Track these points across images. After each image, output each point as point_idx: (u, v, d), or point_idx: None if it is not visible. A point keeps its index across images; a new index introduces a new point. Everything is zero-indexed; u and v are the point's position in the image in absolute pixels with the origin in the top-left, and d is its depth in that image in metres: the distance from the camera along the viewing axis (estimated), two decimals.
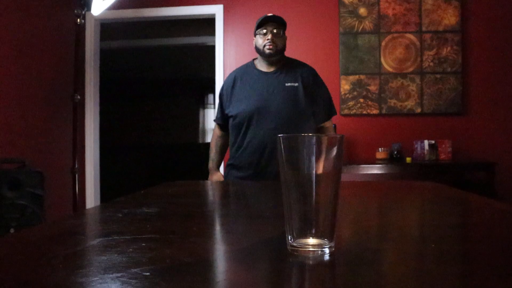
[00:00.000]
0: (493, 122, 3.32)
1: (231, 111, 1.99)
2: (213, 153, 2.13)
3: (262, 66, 2.01)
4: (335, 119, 3.41)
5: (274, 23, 1.95)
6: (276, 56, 1.95)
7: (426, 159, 3.08)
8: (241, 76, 2.03)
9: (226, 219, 0.77)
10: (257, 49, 1.98)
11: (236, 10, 3.54)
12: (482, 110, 3.34)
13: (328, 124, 2.06)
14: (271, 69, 1.98)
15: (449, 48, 3.35)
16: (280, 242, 0.51)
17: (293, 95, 1.91)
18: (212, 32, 3.66)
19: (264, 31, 1.94)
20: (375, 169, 2.92)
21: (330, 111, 2.05)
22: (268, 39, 1.92)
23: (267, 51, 1.92)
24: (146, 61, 6.10)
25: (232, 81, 2.04)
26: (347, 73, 3.42)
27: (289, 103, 1.90)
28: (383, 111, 3.39)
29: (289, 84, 1.93)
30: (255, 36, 2.00)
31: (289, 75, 1.94)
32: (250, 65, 2.06)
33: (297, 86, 1.92)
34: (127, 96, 6.79)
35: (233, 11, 3.54)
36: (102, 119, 3.82)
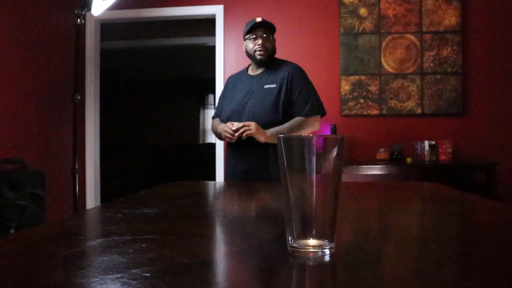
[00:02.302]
0: (493, 123, 3.32)
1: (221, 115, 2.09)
2: (218, 122, 2.10)
3: (252, 69, 2.08)
4: (335, 119, 3.43)
5: (263, 28, 1.99)
6: (267, 60, 2.00)
7: (427, 160, 3.08)
8: (233, 80, 2.12)
9: (226, 220, 0.77)
10: (247, 54, 2.04)
11: (237, 10, 3.54)
12: (482, 111, 3.34)
13: (301, 119, 1.90)
14: (258, 72, 2.03)
15: (449, 49, 3.35)
16: (280, 243, 0.51)
17: (269, 97, 1.92)
18: (212, 33, 3.66)
19: (254, 36, 1.99)
20: (375, 170, 2.92)
21: (305, 107, 1.90)
22: (258, 44, 1.97)
23: (258, 56, 1.98)
24: (146, 62, 6.11)
25: (226, 86, 2.16)
26: (347, 73, 3.42)
27: (263, 105, 1.92)
28: (384, 112, 3.39)
29: (267, 86, 1.95)
30: (244, 40, 2.06)
31: (270, 77, 1.97)
32: (244, 69, 2.14)
33: (274, 88, 1.93)
34: (127, 96, 6.79)
35: (234, 12, 3.55)
36: (102, 119, 3.82)
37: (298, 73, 1.98)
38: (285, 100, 1.91)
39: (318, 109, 1.95)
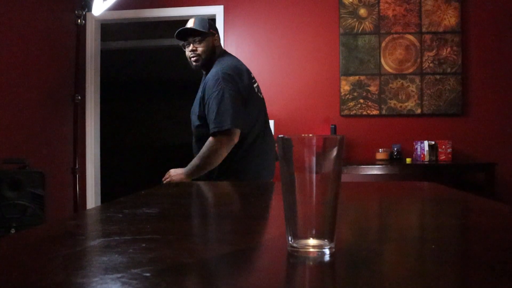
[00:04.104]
0: (493, 123, 3.32)
1: None
2: None
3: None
4: (335, 119, 3.43)
5: (192, 33, 1.86)
6: (204, 64, 1.89)
7: (426, 160, 3.08)
8: None
9: (226, 220, 0.77)
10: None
11: (237, 10, 3.55)
12: (482, 111, 3.34)
13: (207, 143, 1.75)
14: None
15: (449, 49, 3.35)
16: (280, 242, 0.52)
17: (196, 108, 1.86)
18: None
19: (186, 43, 1.89)
20: (375, 170, 2.92)
21: (211, 124, 1.73)
22: (190, 51, 1.88)
23: (193, 63, 1.89)
24: (147, 62, 6.10)
25: None
26: (347, 74, 3.42)
27: (193, 114, 1.88)
28: (383, 112, 3.39)
29: (199, 94, 1.87)
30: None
31: (203, 83, 1.88)
32: None
33: (199, 96, 1.85)
34: (127, 96, 6.79)
35: (234, 12, 3.55)
36: (103, 119, 3.82)
37: (211, 82, 1.77)
38: (203, 109, 1.80)
39: (220, 125, 1.71)
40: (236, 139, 1.75)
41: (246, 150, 1.84)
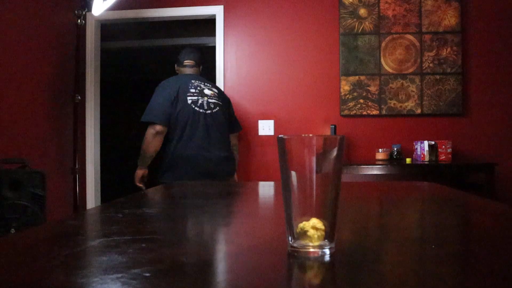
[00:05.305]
0: (493, 123, 3.32)
1: None
2: None
3: None
4: (335, 119, 3.44)
5: None
6: None
7: (426, 160, 3.08)
8: None
9: (226, 220, 0.77)
10: None
11: (237, 10, 3.55)
12: (482, 111, 3.34)
13: None
14: None
15: (449, 49, 3.35)
16: (280, 242, 0.52)
17: None
18: (212, 33, 3.66)
19: None
20: (375, 170, 2.92)
21: None
22: None
23: None
24: (147, 62, 6.10)
25: None
26: (347, 73, 3.42)
27: None
28: (383, 112, 3.39)
29: None
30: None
31: None
32: None
33: None
34: (127, 96, 6.79)
35: (234, 12, 3.55)
36: (103, 119, 3.82)
37: None
38: None
39: (143, 117, 2.46)
40: (157, 129, 2.40)
41: (174, 148, 2.41)
